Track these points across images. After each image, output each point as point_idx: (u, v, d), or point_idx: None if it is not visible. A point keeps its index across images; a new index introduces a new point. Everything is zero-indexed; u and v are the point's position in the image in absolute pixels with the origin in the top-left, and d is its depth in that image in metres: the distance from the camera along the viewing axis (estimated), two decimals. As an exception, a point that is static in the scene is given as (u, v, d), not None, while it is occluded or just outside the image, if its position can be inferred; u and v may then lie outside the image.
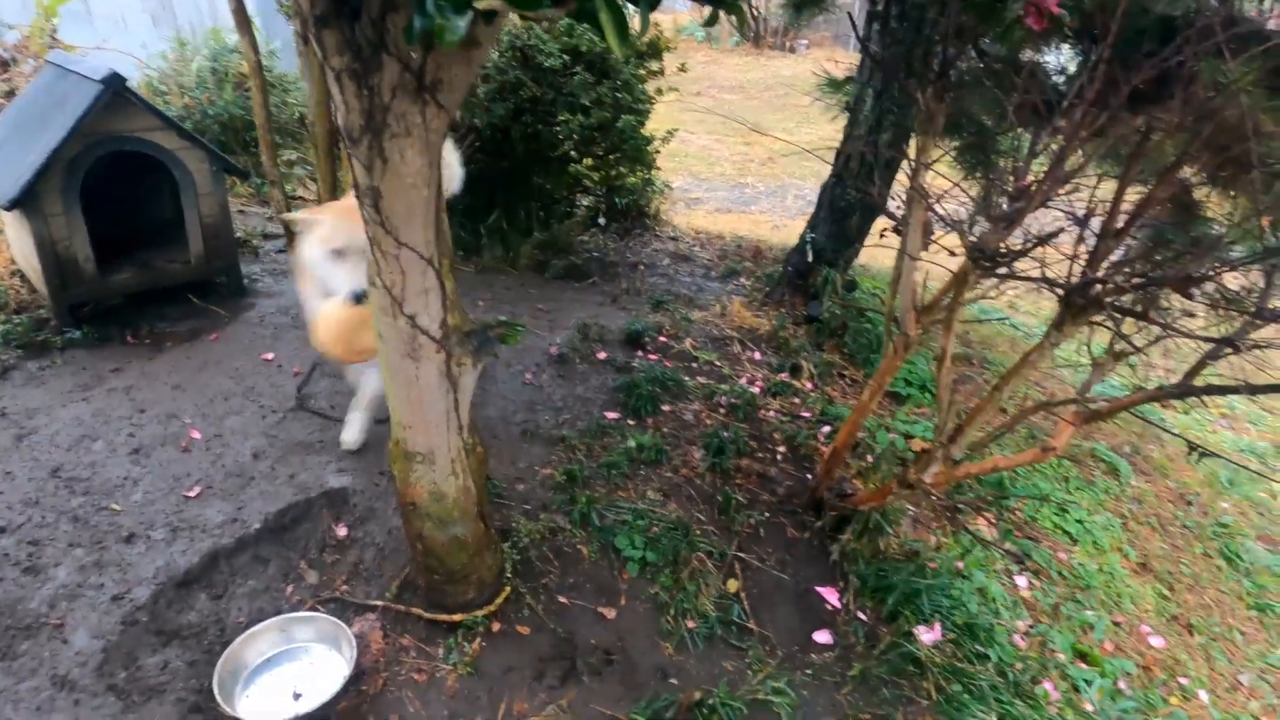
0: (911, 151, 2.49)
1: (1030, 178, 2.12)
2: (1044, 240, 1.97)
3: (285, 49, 7.12)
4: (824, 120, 4.71)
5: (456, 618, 2.43)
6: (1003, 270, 2.13)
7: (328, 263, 2.52)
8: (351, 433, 3.01)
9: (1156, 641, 3.22)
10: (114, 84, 3.48)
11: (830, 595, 2.79)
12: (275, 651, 2.35)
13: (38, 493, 2.78)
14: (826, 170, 4.67)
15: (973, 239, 2.19)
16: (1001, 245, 2.07)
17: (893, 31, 3.99)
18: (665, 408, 3.50)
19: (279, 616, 2.39)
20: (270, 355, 3.60)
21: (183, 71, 6.12)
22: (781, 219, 9.11)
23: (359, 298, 2.41)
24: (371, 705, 2.23)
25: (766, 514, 3.03)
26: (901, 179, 2.92)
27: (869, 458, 3.46)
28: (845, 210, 4.57)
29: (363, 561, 2.65)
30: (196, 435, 3.06)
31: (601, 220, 6.37)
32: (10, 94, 5.62)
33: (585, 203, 6.64)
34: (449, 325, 2.07)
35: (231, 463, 2.94)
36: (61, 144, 3.44)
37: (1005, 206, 2.12)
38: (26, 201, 3.45)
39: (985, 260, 2.11)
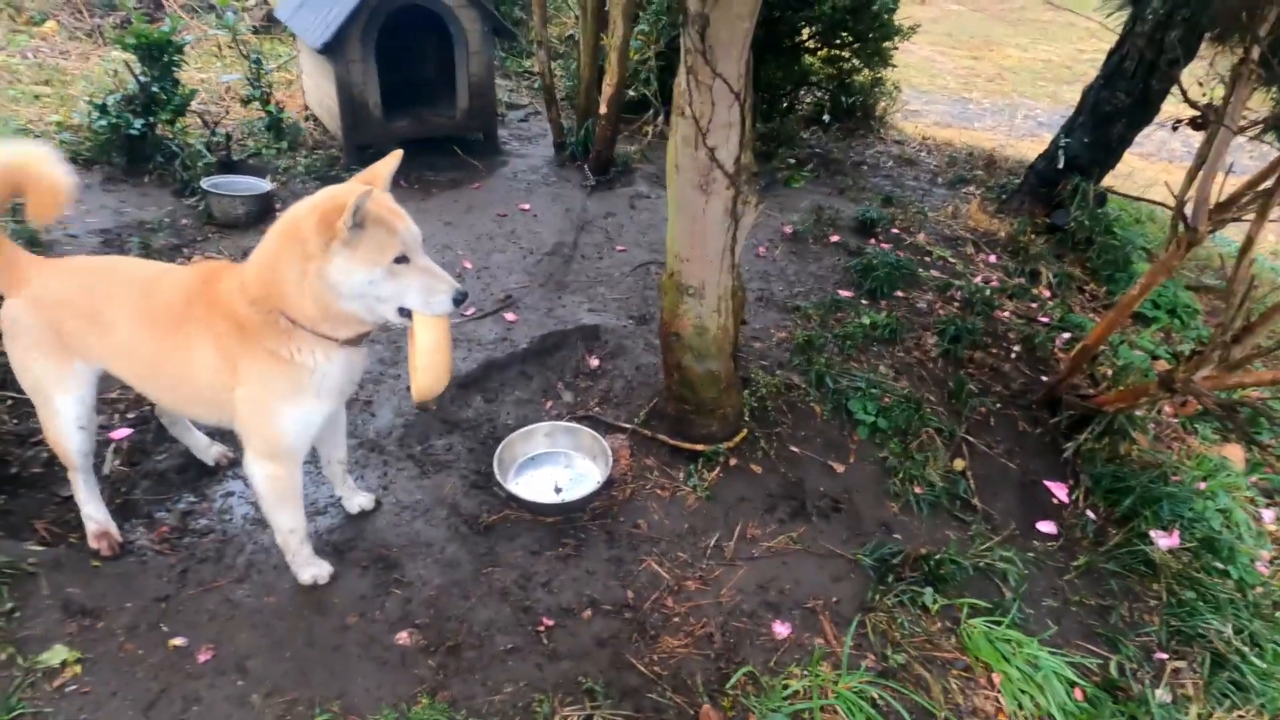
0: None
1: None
2: None
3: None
4: (1064, 38, 4.34)
5: (699, 447, 2.63)
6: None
7: (387, 279, 1.68)
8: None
9: None
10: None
11: (1059, 490, 2.77)
12: (541, 451, 2.65)
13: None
14: (1063, 91, 4.35)
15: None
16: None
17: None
18: (899, 293, 3.50)
19: (548, 422, 2.68)
20: (527, 205, 3.90)
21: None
22: (1007, 138, 8.53)
23: (464, 297, 1.76)
24: (621, 508, 2.49)
25: (999, 405, 3.01)
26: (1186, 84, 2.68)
27: (1108, 371, 3.32)
28: (1109, 115, 4.24)
29: (612, 390, 2.90)
30: (468, 265, 3.41)
31: (826, 117, 6.25)
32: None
33: (809, 99, 6.52)
34: (741, 163, 2.18)
35: (500, 291, 3.26)
36: (366, -5, 3.79)
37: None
38: (334, 46, 3.87)
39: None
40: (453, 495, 2.45)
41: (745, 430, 2.71)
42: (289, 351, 1.78)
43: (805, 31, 5.29)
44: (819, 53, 5.68)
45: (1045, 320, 3.55)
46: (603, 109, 4.06)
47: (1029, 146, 7.10)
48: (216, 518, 2.32)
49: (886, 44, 5.40)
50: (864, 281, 3.47)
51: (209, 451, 2.48)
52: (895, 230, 4.05)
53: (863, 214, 4.02)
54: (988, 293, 3.62)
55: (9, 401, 2.62)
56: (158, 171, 3.88)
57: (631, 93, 4.97)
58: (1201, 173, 2.38)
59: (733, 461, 2.65)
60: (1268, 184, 2.19)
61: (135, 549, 2.20)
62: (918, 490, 2.63)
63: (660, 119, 5.02)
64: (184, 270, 1.95)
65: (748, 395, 2.81)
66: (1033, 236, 4.19)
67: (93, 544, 2.14)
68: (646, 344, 3.06)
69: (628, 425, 2.74)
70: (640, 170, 4.46)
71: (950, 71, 11.18)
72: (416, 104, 4.47)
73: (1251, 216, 2.27)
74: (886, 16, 4.74)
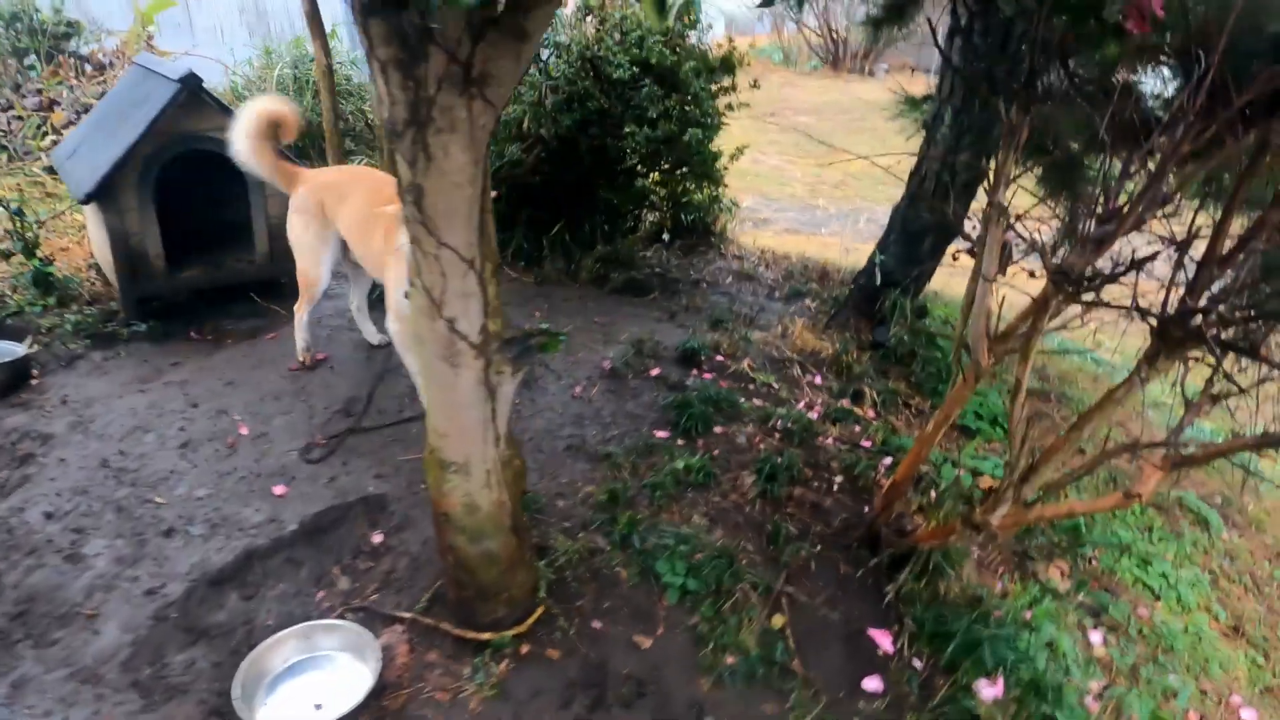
0: (991, 171, 2.33)
1: (1122, 198, 1.94)
2: (1139, 264, 1.79)
3: (365, 59, 7.29)
4: (901, 144, 4.54)
5: (485, 636, 2.33)
6: (1089, 296, 1.94)
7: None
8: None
9: (1248, 715, 2.91)
10: (190, 83, 3.57)
11: (883, 639, 2.60)
12: (299, 658, 2.29)
13: (88, 481, 2.81)
14: (900, 195, 4.48)
15: (1056, 262, 2.01)
16: (1088, 268, 1.89)
17: (975, 47, 3.81)
18: (717, 429, 3.37)
19: (304, 624, 2.33)
20: (324, 354, 3.61)
21: (266, 78, 6.31)
22: (853, 242, 8.86)
23: None
24: (392, 722, 2.15)
25: (818, 547, 2.86)
26: (979, 203, 2.75)
27: (933, 494, 3.25)
28: (918, 233, 4.38)
29: (395, 570, 2.59)
30: (244, 432, 3.06)
31: (666, 236, 6.29)
32: (103, 95, 5.86)
33: (650, 218, 6.58)
34: (489, 331, 1.99)
35: (275, 463, 2.93)
36: (138, 140, 3.53)
37: (1094, 228, 1.93)
38: (103, 196, 3.55)
39: (1070, 284, 1.93)
40: (182, 731, 2.06)
41: (540, 608, 2.44)
42: None
43: (632, 158, 5.33)
44: (651, 176, 5.74)
45: (868, 444, 3.48)
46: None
47: (868, 251, 7.38)
48: None
49: (714, 164, 5.51)
50: (681, 419, 3.33)
51: (375, 337, 3.78)
52: (720, 357, 3.97)
53: (684, 344, 3.93)
54: (810, 420, 3.54)
55: None
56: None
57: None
58: (974, 309, 2.36)
59: (525, 649, 2.36)
60: (1025, 327, 2.17)
61: None
62: (730, 660, 2.40)
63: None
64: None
65: (544, 566, 2.55)
66: (857, 354, 4.20)
67: (300, 358, 3.55)
68: (440, 511, 2.77)
69: (406, 614, 2.42)
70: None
71: (799, 179, 11.76)
72: (219, 249, 4.16)
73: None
74: (704, 145, 4.82)
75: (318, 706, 2.17)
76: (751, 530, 2.89)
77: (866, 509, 3.10)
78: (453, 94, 1.65)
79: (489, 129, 1.75)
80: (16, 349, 3.40)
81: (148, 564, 2.50)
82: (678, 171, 5.41)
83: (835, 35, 18.60)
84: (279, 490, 2.80)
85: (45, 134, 5.71)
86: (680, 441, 3.27)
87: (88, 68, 6.65)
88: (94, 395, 3.24)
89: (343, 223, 3.29)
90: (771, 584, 2.67)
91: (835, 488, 3.19)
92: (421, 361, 2.03)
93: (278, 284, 4.24)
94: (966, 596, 2.76)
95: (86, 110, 6.04)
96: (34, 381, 3.35)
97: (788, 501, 3.05)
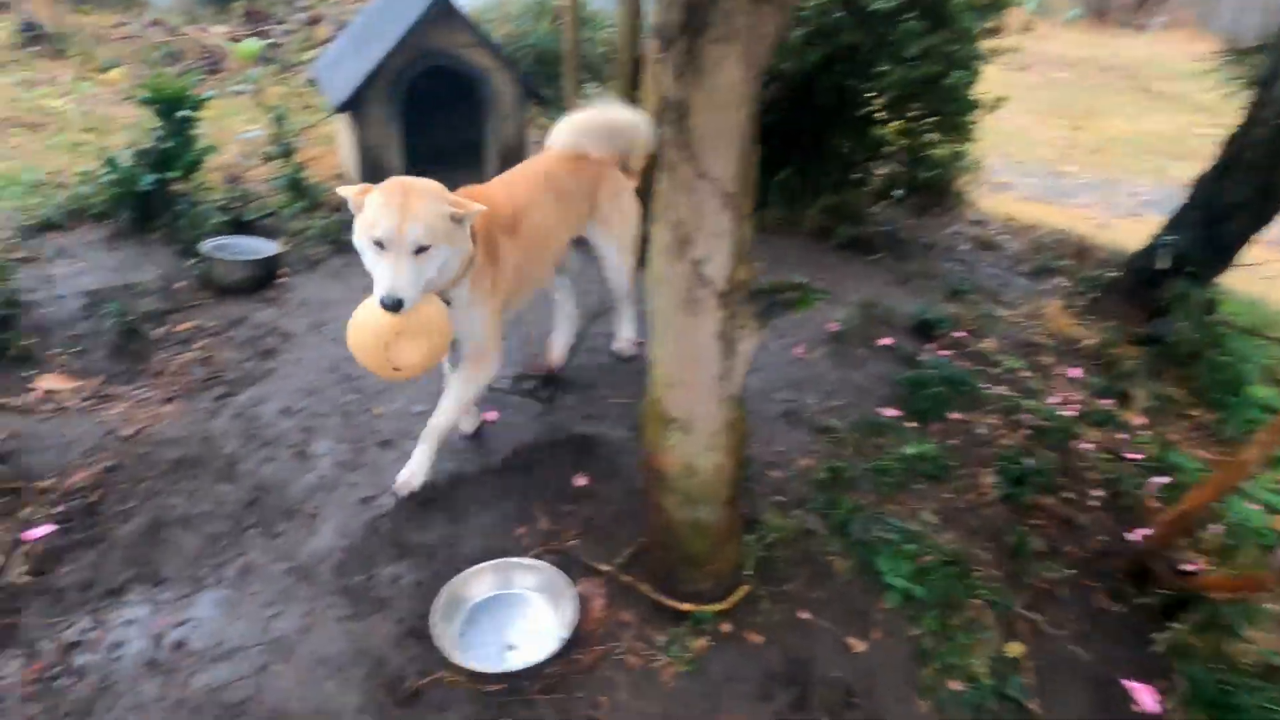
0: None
1: None
2: None
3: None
4: (1179, 108, 3.77)
5: (685, 607, 2.16)
6: None
7: (369, 252, 2.01)
8: (406, 472, 2.48)
9: None
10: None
11: (1145, 695, 2.17)
12: (495, 593, 2.24)
13: (319, 383, 2.91)
14: (1170, 167, 3.76)
15: None
16: None
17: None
18: (954, 415, 2.97)
19: (504, 559, 2.27)
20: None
21: (509, 1, 6.34)
22: (1108, 216, 7.81)
23: (393, 306, 1.94)
24: (582, 679, 2.04)
25: (1070, 570, 2.44)
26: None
27: (1211, 527, 2.70)
28: (1225, 212, 3.64)
29: (596, 519, 2.47)
30: (461, 353, 3.06)
31: (898, 192, 5.76)
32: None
33: (881, 171, 6.06)
34: (737, 279, 1.76)
35: (490, 390, 2.90)
36: (390, 54, 3.57)
37: None
38: (354, 107, 3.65)
39: None
40: (381, 646, 2.06)
41: (745, 587, 2.23)
42: None
43: (876, 101, 4.85)
44: (891, 124, 5.23)
45: (1136, 457, 2.95)
46: (637, 182, 3.69)
47: (1129, 229, 6.39)
48: (105, 653, 1.99)
49: (964, 117, 4.91)
50: (913, 398, 2.96)
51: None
52: (959, 333, 3.52)
53: (921, 313, 3.51)
54: (1065, 419, 3.04)
55: None
56: (164, 230, 3.70)
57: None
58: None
59: (725, 627, 2.17)
60: None
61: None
62: (955, 686, 2.09)
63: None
64: None
65: (754, 541, 2.33)
66: (1126, 348, 3.59)
67: None
68: (645, 462, 2.63)
69: (606, 567, 2.30)
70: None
71: (1047, 142, 10.50)
72: (443, 168, 4.21)
73: None
74: (963, 91, 4.26)
75: (510, 648, 2.11)
76: (989, 538, 2.51)
77: (1131, 534, 2.62)
78: (740, -5, 1.39)
79: (770, 41, 1.48)
80: (269, 247, 3.59)
81: (365, 472, 2.55)
82: (925, 120, 4.86)
83: (1108, -22, 16.39)
84: (490, 415, 2.77)
85: (309, 47, 6.07)
86: (911, 423, 2.91)
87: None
88: (331, 299, 3.37)
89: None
90: (1010, 604, 2.31)
91: (1093, 503, 2.72)
92: (657, 304, 1.83)
93: (502, 208, 4.24)
94: (1262, 665, 2.25)
95: (346, 25, 6.37)
96: (281, 280, 3.54)
97: (1034, 511, 2.63)
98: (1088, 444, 2.99)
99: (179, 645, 2.02)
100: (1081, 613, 2.35)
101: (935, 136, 5.36)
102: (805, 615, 2.22)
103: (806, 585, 2.29)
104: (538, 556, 2.32)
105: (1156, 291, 3.77)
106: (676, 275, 1.74)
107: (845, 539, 2.40)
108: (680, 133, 1.55)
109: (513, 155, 4.03)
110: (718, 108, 1.51)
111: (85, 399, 2.85)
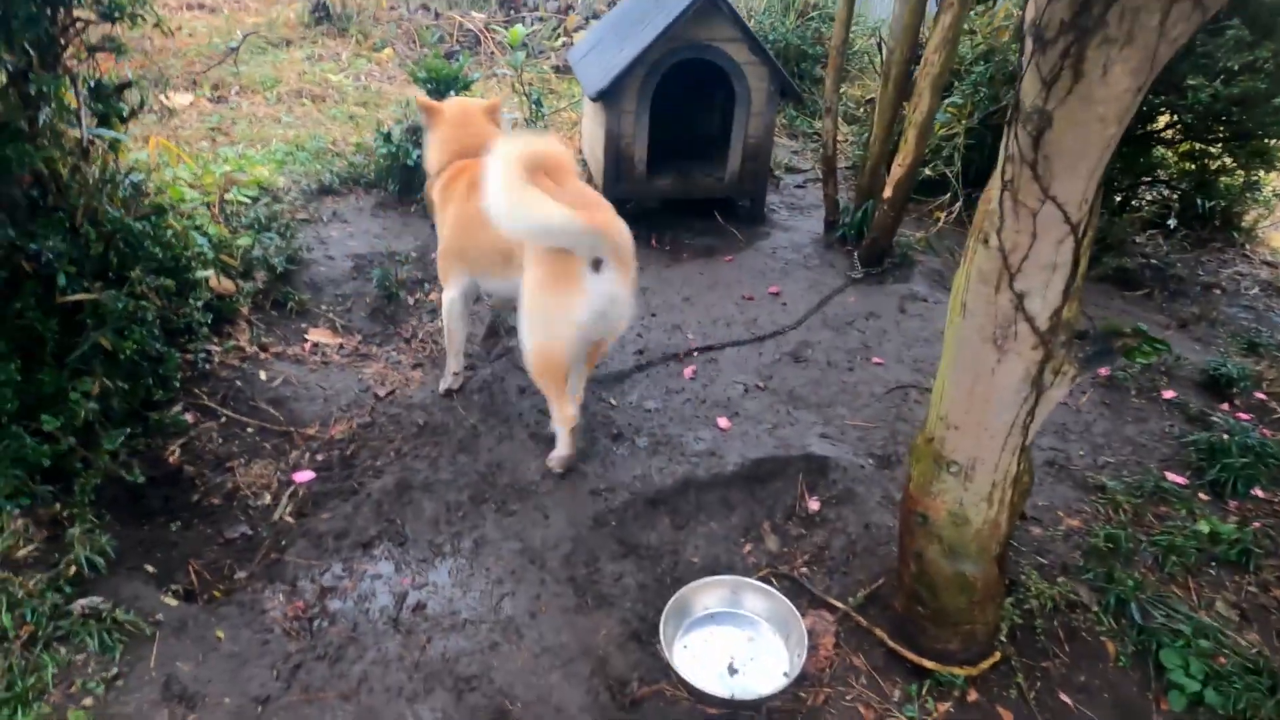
0: None
1: None
2: None
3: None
4: None
5: (928, 664, 1.96)
6: None
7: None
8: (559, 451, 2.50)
9: None
10: (712, -9, 3.48)
11: None
12: (723, 610, 2.14)
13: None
14: None
15: None
16: None
17: None
18: (1259, 493, 2.54)
19: (737, 577, 2.17)
20: (777, 289, 3.42)
21: (752, -5, 6.23)
22: None
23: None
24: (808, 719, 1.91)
25: None
26: None
27: None
28: None
29: (829, 548, 2.32)
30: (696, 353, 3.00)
31: (1172, 222, 5.10)
32: (613, 2, 6.25)
33: (1150, 196, 5.39)
34: (1062, 318, 1.54)
35: (720, 393, 2.81)
36: (651, 44, 3.56)
37: None
38: (609, 95, 3.67)
39: None
40: (605, 645, 2.02)
41: (998, 654, 2.00)
42: None
43: (1162, 119, 4.30)
44: (1177, 145, 4.62)
45: None
46: (887, 192, 3.47)
47: None
48: (355, 603, 2.09)
49: (1275, 142, 4.23)
50: (1207, 466, 2.55)
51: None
52: (1262, 395, 3.01)
53: (1214, 366, 3.04)
54: (1406, 515, 2.52)
55: (223, 419, 2.63)
56: (424, 202, 3.92)
57: (928, 170, 4.30)
58: None
59: (972, 695, 1.95)
60: None
61: (266, 622, 2.02)
62: (1257, 825, 1.75)
63: (959, 205, 4.30)
64: None
65: (1009, 605, 2.09)
66: None
67: None
68: (885, 495, 2.44)
69: (839, 604, 2.14)
70: (921, 265, 3.79)
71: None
72: (682, 161, 4.18)
73: None
74: (1287, 115, 3.66)
75: (732, 670, 2.01)
76: (1303, 647, 2.11)
77: None
78: (1149, -11, 1.18)
79: (1178, 46, 1.25)
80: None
81: (595, 464, 2.54)
82: (1229, 144, 4.24)
83: None
84: (723, 423, 2.68)
85: (559, 35, 6.26)
86: (1203, 495, 2.51)
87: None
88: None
89: None
90: (1331, 735, 1.91)
91: None
92: (958, 334, 1.64)
93: (737, 206, 4.15)
94: None
95: (595, 16, 6.52)
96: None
97: (1363, 623, 2.18)
98: None
99: (419, 607, 2.09)
100: None
101: (1227, 162, 4.69)
102: (1066, 699, 1.96)
103: (1070, 665, 2.02)
104: (764, 578, 2.21)
105: None
106: (990, 306, 1.54)
107: (1121, 621, 2.09)
108: (1034, 148, 1.35)
109: (760, 152, 3.91)
110: (1087, 122, 1.30)
111: (346, 355, 3.05)
